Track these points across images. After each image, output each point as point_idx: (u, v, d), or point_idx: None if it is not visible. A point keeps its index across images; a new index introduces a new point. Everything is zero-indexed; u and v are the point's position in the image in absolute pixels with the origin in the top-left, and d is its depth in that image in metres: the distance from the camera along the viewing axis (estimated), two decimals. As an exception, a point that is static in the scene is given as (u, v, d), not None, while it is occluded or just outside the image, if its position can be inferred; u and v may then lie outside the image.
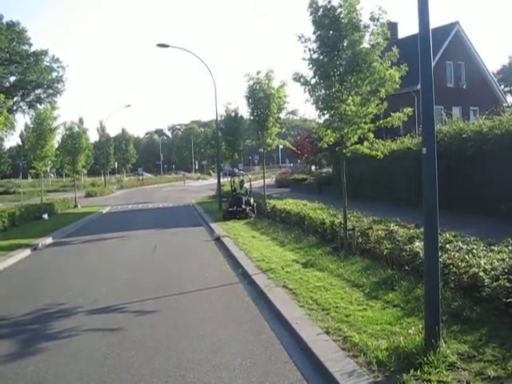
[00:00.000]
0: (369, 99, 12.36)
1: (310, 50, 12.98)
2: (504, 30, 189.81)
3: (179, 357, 7.26)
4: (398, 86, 12.20)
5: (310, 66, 13.00)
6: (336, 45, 12.48)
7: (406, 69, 11.91)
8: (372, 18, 12.18)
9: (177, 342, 7.94)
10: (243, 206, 25.23)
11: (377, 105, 12.53)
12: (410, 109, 12.39)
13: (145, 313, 9.69)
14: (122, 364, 7.10)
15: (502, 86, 73.59)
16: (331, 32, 12.50)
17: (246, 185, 28.11)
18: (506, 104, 40.82)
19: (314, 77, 13.11)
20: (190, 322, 8.96)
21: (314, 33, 12.82)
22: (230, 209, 25.37)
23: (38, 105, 61.49)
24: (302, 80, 13.28)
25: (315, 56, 12.91)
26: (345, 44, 12.51)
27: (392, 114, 12.71)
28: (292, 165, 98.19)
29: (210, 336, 8.14)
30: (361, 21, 12.34)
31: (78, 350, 7.73)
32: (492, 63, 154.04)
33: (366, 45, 12.40)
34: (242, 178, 29.12)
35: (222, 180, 37.45)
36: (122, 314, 9.68)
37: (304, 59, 13.07)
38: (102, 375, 6.72)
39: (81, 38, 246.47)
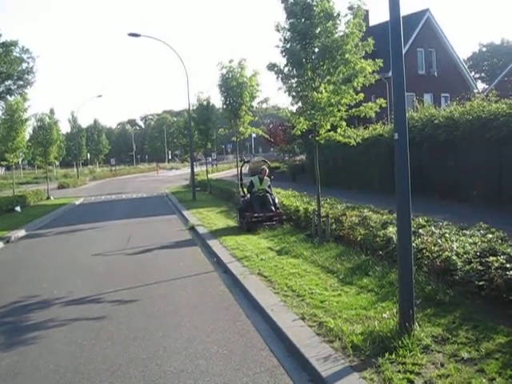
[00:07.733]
0: (341, 88, 12.35)
1: (284, 38, 12.92)
2: (474, 18, 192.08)
3: (156, 346, 7.25)
4: (373, 80, 12.21)
5: (283, 54, 12.94)
6: (308, 33, 12.41)
7: (381, 64, 11.89)
8: (350, 8, 12.11)
9: (153, 331, 7.92)
10: (273, 209, 16.76)
11: (351, 96, 12.47)
12: (383, 100, 12.36)
13: (120, 303, 9.64)
14: (99, 354, 7.07)
15: (473, 73, 74.46)
16: (303, 20, 12.44)
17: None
18: (476, 90, 41.25)
19: (286, 65, 13.06)
20: (165, 311, 8.96)
21: (287, 19, 12.75)
22: (256, 215, 16.47)
23: (8, 96, 60.35)
24: (275, 69, 13.21)
25: (288, 45, 12.84)
26: (317, 32, 12.46)
27: (363, 102, 12.72)
28: (265, 153, 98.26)
29: (186, 324, 8.15)
30: (334, 9, 12.31)
31: (54, 342, 7.68)
32: (462, 50, 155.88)
33: (340, 33, 12.37)
34: (263, 166, 18.51)
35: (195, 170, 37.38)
36: (98, 305, 9.64)
37: (277, 47, 13.02)
38: (78, 366, 6.68)
39: (51, 28, 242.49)
